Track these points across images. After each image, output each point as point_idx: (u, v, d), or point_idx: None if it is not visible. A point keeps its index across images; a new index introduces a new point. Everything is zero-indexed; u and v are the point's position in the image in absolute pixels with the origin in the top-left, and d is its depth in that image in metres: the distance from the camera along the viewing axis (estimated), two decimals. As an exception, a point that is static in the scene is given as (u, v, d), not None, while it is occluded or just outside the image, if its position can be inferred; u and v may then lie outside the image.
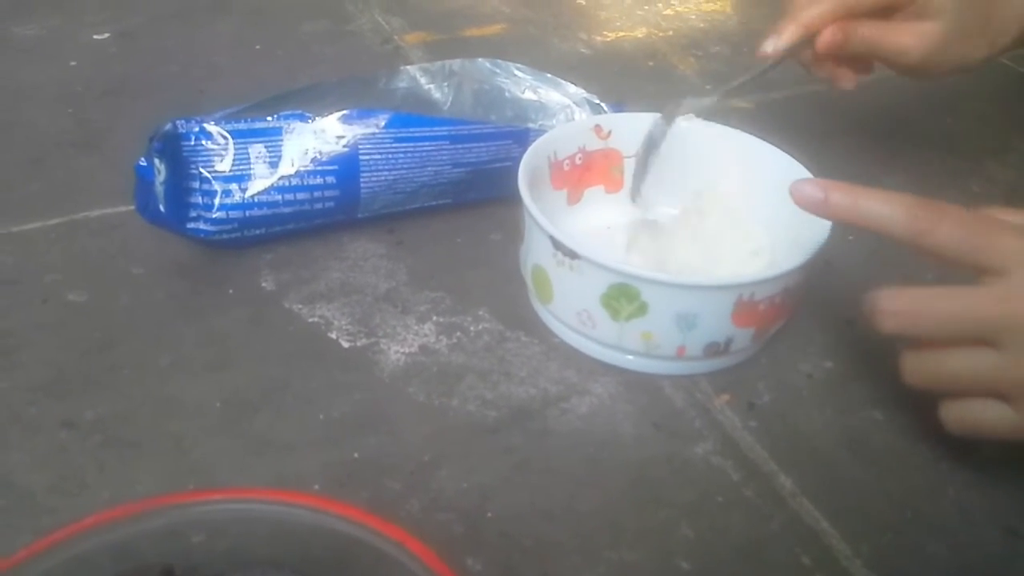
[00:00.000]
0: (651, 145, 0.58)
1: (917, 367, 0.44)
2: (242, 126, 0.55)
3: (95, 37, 0.81)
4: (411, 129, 0.57)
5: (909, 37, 0.58)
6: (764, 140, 0.59)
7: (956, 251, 0.42)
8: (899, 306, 0.43)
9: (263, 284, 0.57)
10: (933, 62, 0.59)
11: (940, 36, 0.58)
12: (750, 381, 0.53)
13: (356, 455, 0.47)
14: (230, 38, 0.82)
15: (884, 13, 0.58)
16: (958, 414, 0.44)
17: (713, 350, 0.51)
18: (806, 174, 0.56)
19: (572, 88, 0.66)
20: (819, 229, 0.51)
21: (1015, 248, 0.41)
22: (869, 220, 0.43)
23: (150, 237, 0.58)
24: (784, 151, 0.58)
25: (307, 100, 0.59)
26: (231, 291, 0.56)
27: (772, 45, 0.57)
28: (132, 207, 0.58)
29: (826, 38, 0.57)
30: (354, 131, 0.57)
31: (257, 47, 0.81)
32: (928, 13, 0.57)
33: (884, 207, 0.43)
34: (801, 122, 0.72)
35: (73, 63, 0.78)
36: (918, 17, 0.58)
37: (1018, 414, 0.42)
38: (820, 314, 0.57)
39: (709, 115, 0.60)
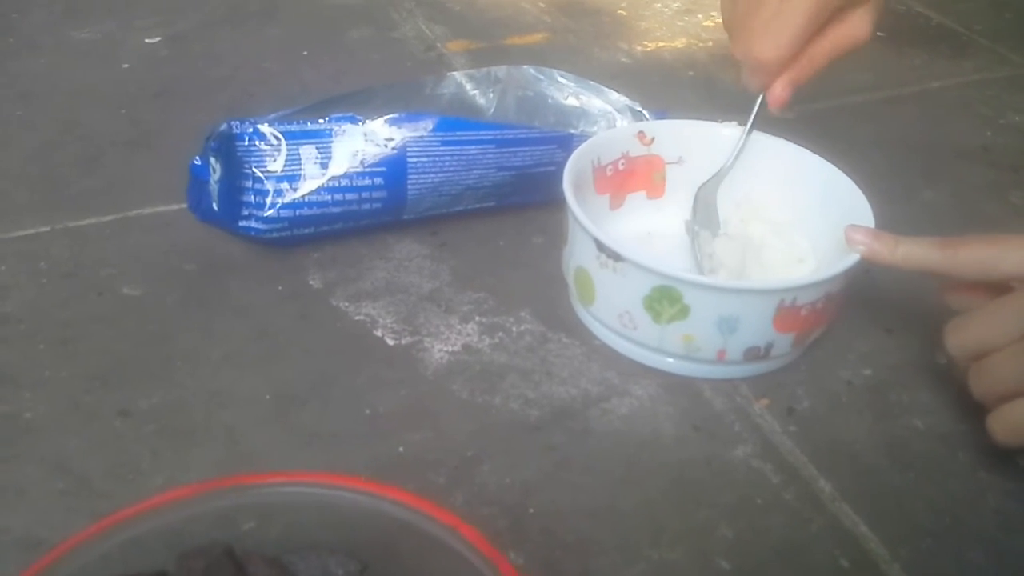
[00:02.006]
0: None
1: (975, 378, 0.47)
2: (294, 127, 0.57)
3: (147, 41, 0.83)
4: (458, 133, 0.59)
5: (857, 27, 0.56)
6: (806, 149, 0.60)
7: (978, 267, 0.48)
8: (954, 327, 0.48)
9: (311, 282, 0.58)
10: (878, 24, 0.58)
11: (878, 8, 0.57)
12: (790, 386, 0.53)
13: (401, 449, 0.48)
14: (278, 44, 0.84)
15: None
16: (1000, 420, 0.46)
17: (753, 354, 0.52)
18: (849, 183, 0.56)
19: (614, 95, 0.67)
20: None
21: None
22: (907, 259, 0.50)
23: (201, 234, 0.60)
24: (826, 160, 0.59)
25: (356, 103, 0.60)
26: (280, 288, 0.58)
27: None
28: (184, 205, 0.60)
29: (781, 99, 0.57)
30: (402, 134, 0.58)
31: (304, 53, 0.83)
32: None
33: (916, 247, 0.50)
34: (842, 133, 0.72)
35: (126, 66, 0.80)
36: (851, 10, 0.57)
37: None
38: (859, 322, 0.57)
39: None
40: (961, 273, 0.49)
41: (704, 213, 0.59)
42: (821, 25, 0.56)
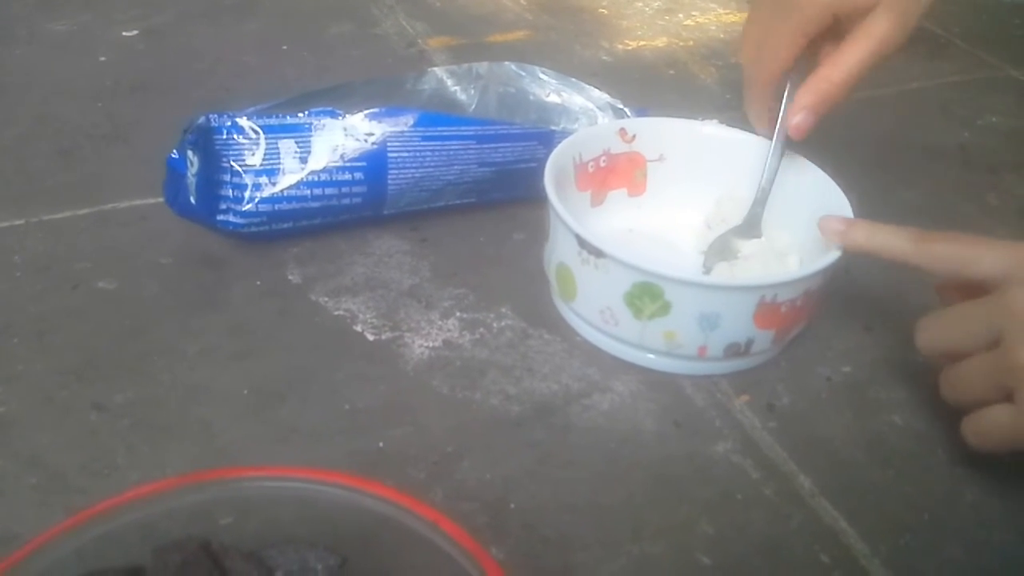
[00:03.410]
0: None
1: (945, 382, 0.48)
2: (273, 121, 0.56)
3: (124, 34, 0.82)
4: (439, 128, 0.58)
5: (875, 29, 0.54)
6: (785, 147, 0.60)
7: (952, 264, 0.48)
8: (925, 324, 0.49)
9: (290, 277, 0.58)
10: (904, 22, 0.54)
11: (897, 11, 0.53)
12: (770, 383, 0.54)
13: (381, 444, 0.48)
14: (257, 38, 0.84)
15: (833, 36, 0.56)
16: (972, 425, 0.46)
17: (734, 351, 0.52)
18: (828, 182, 0.57)
19: (595, 92, 0.67)
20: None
21: (1001, 256, 0.46)
22: (882, 247, 0.50)
23: (178, 228, 0.59)
24: (805, 159, 0.59)
25: (337, 98, 0.60)
26: (258, 283, 0.57)
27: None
28: (160, 199, 0.59)
29: (799, 128, 0.56)
30: (383, 129, 0.57)
31: (284, 47, 0.82)
32: (865, 6, 0.54)
33: (893, 237, 0.50)
34: (821, 133, 0.72)
35: (103, 59, 0.79)
36: (862, 19, 0.54)
37: (1017, 407, 0.43)
38: (839, 320, 0.58)
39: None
40: (933, 267, 0.49)
41: (720, 254, 0.58)
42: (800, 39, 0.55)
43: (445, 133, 0.59)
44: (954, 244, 0.48)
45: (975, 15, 0.99)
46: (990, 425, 0.45)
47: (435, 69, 0.66)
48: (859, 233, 0.50)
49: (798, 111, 0.56)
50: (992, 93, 0.85)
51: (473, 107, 0.66)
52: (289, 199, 0.57)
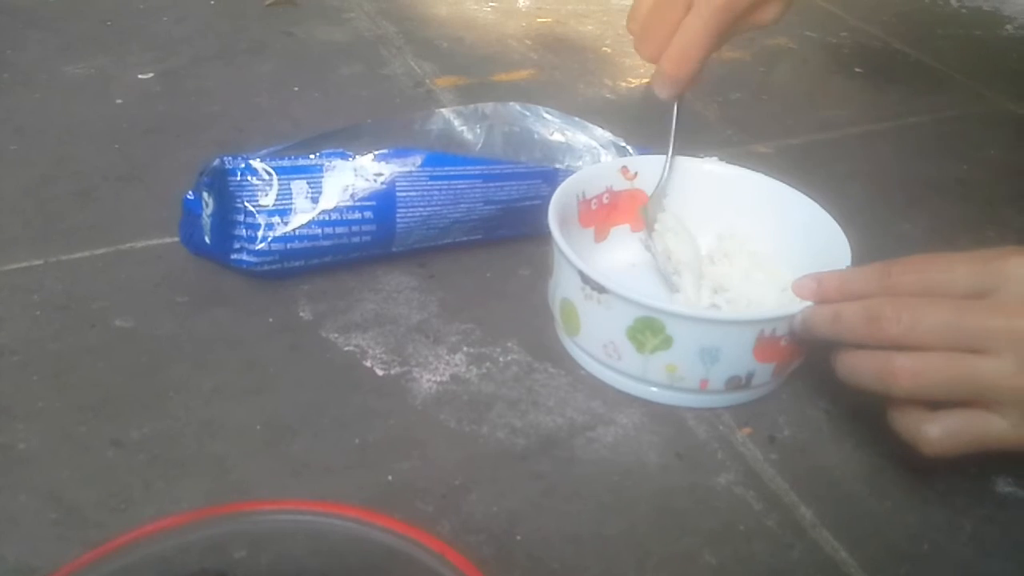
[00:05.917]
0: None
1: (905, 370, 0.45)
2: (286, 163, 0.58)
3: (140, 77, 0.85)
4: (446, 168, 0.60)
5: (765, 17, 0.59)
6: (784, 183, 0.61)
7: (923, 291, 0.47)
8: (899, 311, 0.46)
9: (301, 314, 0.59)
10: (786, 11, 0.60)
11: None
12: (771, 415, 0.55)
13: (390, 478, 0.49)
14: (269, 80, 0.86)
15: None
16: (946, 427, 0.45)
17: (735, 384, 0.53)
18: (826, 217, 0.58)
19: (598, 131, 0.68)
20: (838, 269, 0.53)
21: (972, 271, 0.47)
22: (852, 293, 0.49)
23: (193, 267, 0.61)
24: (804, 194, 0.60)
25: (347, 139, 0.62)
26: (271, 320, 0.59)
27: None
28: (176, 238, 0.61)
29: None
30: (391, 169, 0.59)
31: (295, 89, 0.84)
32: None
33: (859, 280, 0.49)
34: (820, 167, 0.74)
35: (119, 101, 0.81)
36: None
37: (1006, 420, 0.43)
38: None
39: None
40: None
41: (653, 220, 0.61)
42: (728, 34, 0.58)
43: (452, 172, 0.60)
44: (919, 272, 0.48)
45: (973, 50, 1.01)
46: (978, 434, 0.44)
47: (442, 110, 0.68)
48: (831, 285, 0.50)
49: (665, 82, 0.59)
50: (990, 127, 0.86)
51: (479, 146, 0.68)
52: (301, 238, 0.58)
